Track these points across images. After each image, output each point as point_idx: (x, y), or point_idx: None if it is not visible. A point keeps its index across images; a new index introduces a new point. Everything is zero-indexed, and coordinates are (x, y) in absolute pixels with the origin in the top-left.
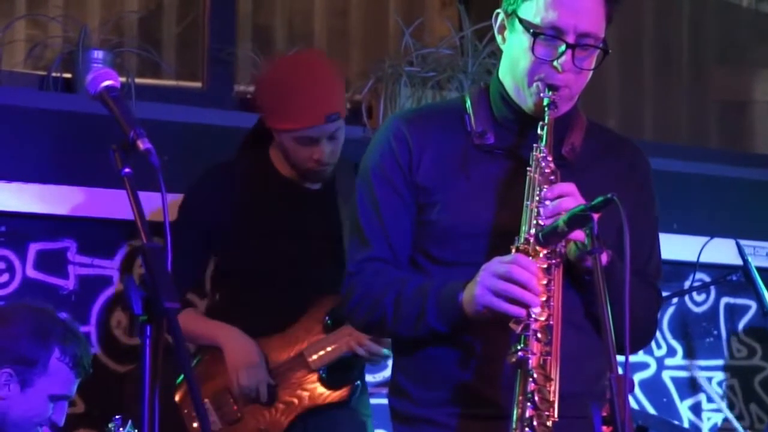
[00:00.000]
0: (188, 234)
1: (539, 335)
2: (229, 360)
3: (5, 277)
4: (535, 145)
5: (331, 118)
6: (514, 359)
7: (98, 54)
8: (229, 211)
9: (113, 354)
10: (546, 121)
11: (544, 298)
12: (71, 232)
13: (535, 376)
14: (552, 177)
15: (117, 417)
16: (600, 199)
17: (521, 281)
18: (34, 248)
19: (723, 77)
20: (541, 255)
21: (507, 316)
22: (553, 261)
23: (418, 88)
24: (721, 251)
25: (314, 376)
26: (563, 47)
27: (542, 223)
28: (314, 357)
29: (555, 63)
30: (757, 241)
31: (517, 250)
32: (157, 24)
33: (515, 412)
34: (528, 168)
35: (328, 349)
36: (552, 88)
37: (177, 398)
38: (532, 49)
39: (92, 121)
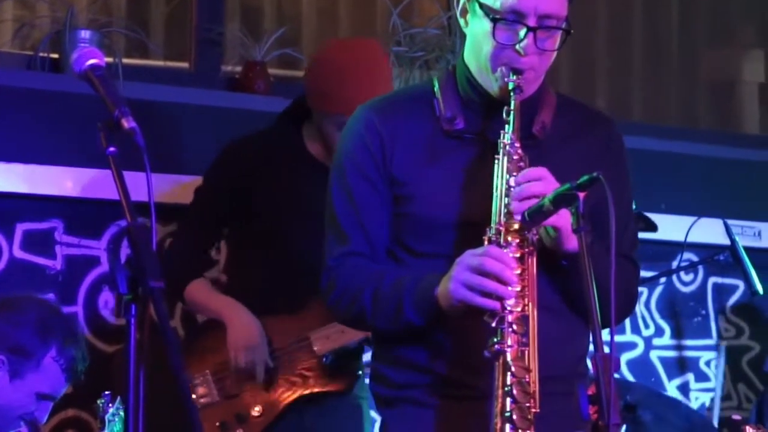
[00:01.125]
0: (209, 198)
1: (515, 327)
2: (229, 337)
3: None
4: (502, 131)
5: None
6: (492, 351)
7: (85, 34)
8: (253, 180)
9: (101, 334)
10: (512, 106)
11: (518, 289)
12: (58, 212)
13: (513, 368)
14: (521, 163)
15: (106, 393)
16: (586, 177)
17: (494, 273)
18: (21, 228)
19: (712, 57)
20: (513, 244)
21: (482, 309)
22: (526, 249)
23: (405, 68)
24: (709, 231)
25: (318, 362)
26: (524, 31)
27: (512, 210)
28: (320, 343)
29: (517, 47)
30: (744, 221)
31: (489, 240)
32: (145, 4)
33: (495, 406)
34: (495, 156)
35: (335, 336)
36: (516, 72)
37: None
38: (493, 35)
39: (79, 101)
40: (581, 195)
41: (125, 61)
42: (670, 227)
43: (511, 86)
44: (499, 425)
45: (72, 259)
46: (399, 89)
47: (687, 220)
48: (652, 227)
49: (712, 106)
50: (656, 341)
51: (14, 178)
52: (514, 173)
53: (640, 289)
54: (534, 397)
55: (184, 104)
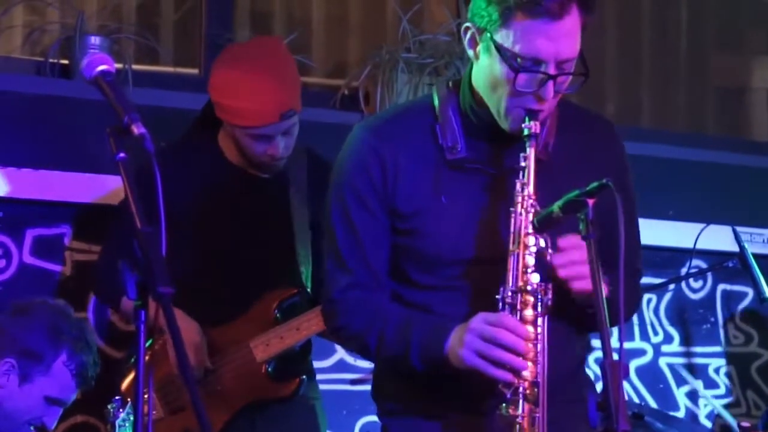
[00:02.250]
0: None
1: (528, 394)
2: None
3: (2, 263)
4: (519, 181)
5: (286, 115)
6: (505, 416)
7: (95, 40)
8: (173, 196)
9: (110, 340)
10: (527, 152)
11: (530, 356)
12: (68, 217)
13: None
14: None
15: (116, 398)
16: (595, 184)
17: (509, 345)
18: (30, 234)
19: (721, 63)
20: (528, 305)
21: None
22: (539, 311)
23: (415, 74)
24: (718, 238)
25: (261, 370)
26: (545, 79)
27: (528, 276)
28: (261, 350)
29: (537, 94)
30: (753, 228)
31: (504, 302)
32: (154, 10)
33: None
34: (511, 209)
35: (275, 342)
36: (532, 116)
37: (123, 387)
38: (514, 83)
39: (89, 106)
40: (590, 201)
41: (135, 67)
42: (678, 234)
43: (526, 132)
44: None
45: (81, 264)
46: (397, 107)
47: (696, 227)
48: None
49: (721, 113)
50: (665, 348)
51: (24, 184)
52: (530, 232)
53: (649, 296)
54: None
55: (193, 110)
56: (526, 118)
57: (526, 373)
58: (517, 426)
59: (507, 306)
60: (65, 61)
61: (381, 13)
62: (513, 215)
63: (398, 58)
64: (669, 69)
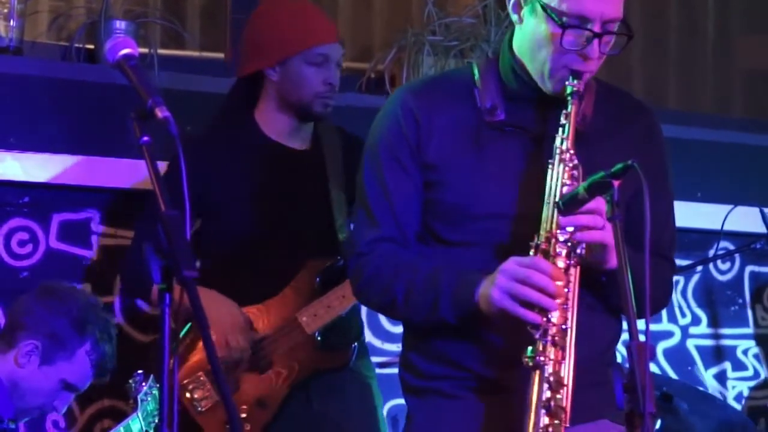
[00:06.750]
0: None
1: (556, 338)
2: (213, 324)
3: (29, 247)
4: (557, 135)
5: (341, 41)
6: (531, 363)
7: (121, 24)
8: (214, 178)
9: (136, 324)
10: (569, 110)
11: (560, 301)
12: (94, 202)
13: (551, 381)
14: (575, 172)
15: (138, 372)
16: (620, 165)
17: (540, 286)
18: (57, 219)
19: (748, 45)
20: (561, 254)
21: (524, 321)
22: (572, 261)
23: (440, 57)
24: (746, 219)
25: (311, 340)
26: (590, 36)
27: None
28: (309, 320)
29: (582, 52)
30: None
31: (537, 248)
32: None
33: (531, 419)
34: (549, 161)
35: (323, 312)
36: (576, 75)
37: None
38: (561, 40)
39: (115, 91)
40: (616, 183)
41: (161, 51)
42: (706, 216)
43: (569, 90)
44: None
45: (108, 249)
46: (436, 75)
47: (723, 209)
48: None
49: (748, 95)
50: (693, 330)
51: (50, 169)
52: (568, 182)
53: (676, 278)
54: (566, 412)
55: (219, 94)
56: (570, 77)
57: (554, 316)
58: (543, 368)
59: (540, 253)
60: (91, 46)
61: None
62: (551, 167)
63: (424, 41)
64: (696, 51)
